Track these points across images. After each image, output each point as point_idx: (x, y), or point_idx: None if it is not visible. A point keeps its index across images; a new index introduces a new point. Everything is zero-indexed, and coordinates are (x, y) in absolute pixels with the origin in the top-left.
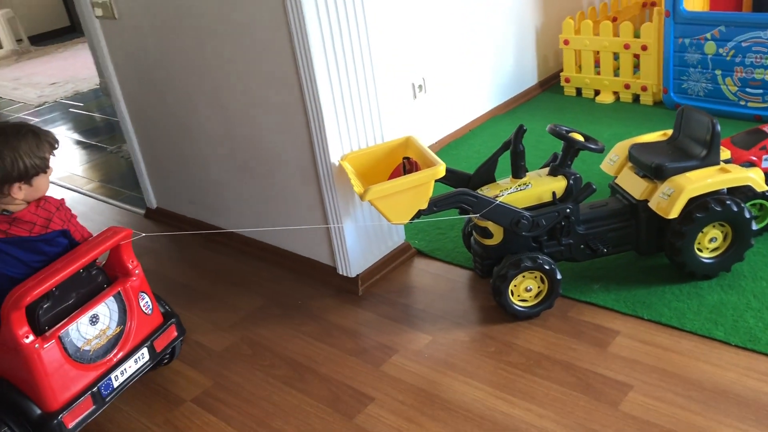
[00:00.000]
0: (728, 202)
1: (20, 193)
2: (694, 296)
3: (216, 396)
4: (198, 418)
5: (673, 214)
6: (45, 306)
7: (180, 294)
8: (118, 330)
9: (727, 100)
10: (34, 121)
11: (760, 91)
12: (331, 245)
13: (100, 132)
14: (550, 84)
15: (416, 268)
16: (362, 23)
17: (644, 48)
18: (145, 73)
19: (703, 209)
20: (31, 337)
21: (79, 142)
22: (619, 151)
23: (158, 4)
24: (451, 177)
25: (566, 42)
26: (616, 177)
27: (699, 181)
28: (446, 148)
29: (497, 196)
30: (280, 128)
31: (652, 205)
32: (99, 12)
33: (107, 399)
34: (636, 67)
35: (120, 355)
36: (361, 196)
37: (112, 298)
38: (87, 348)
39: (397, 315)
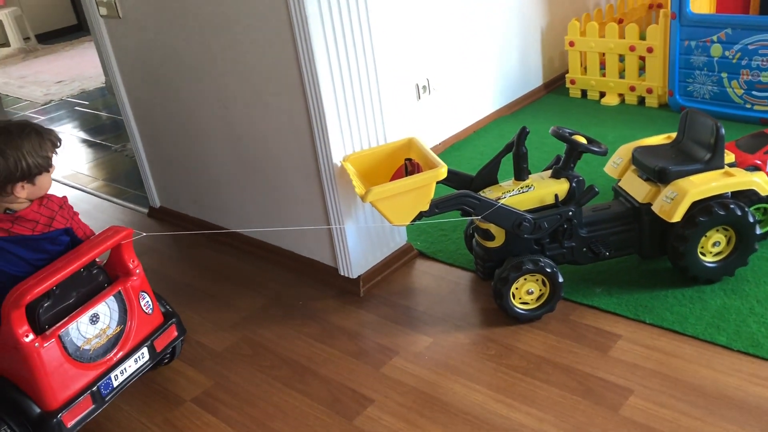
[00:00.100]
0: (732, 206)
1: (23, 191)
2: (696, 301)
3: (216, 396)
4: (198, 418)
5: (676, 217)
6: (45, 305)
7: (181, 293)
8: (119, 329)
9: (733, 103)
10: (39, 119)
11: (767, 94)
12: (333, 246)
13: (105, 130)
14: (555, 86)
15: (418, 269)
16: (365, 24)
17: (650, 50)
18: (149, 73)
19: (706, 213)
20: (31, 336)
21: (84, 141)
22: (622, 153)
23: (163, 4)
24: (454, 178)
25: (572, 43)
26: (619, 180)
27: (702, 185)
28: (450, 149)
29: (499, 199)
30: (282, 128)
31: (655, 208)
32: (104, 11)
33: (107, 398)
34: (642, 69)
35: (120, 354)
36: (363, 198)
37: (112, 297)
38: (87, 347)
39: (398, 317)
